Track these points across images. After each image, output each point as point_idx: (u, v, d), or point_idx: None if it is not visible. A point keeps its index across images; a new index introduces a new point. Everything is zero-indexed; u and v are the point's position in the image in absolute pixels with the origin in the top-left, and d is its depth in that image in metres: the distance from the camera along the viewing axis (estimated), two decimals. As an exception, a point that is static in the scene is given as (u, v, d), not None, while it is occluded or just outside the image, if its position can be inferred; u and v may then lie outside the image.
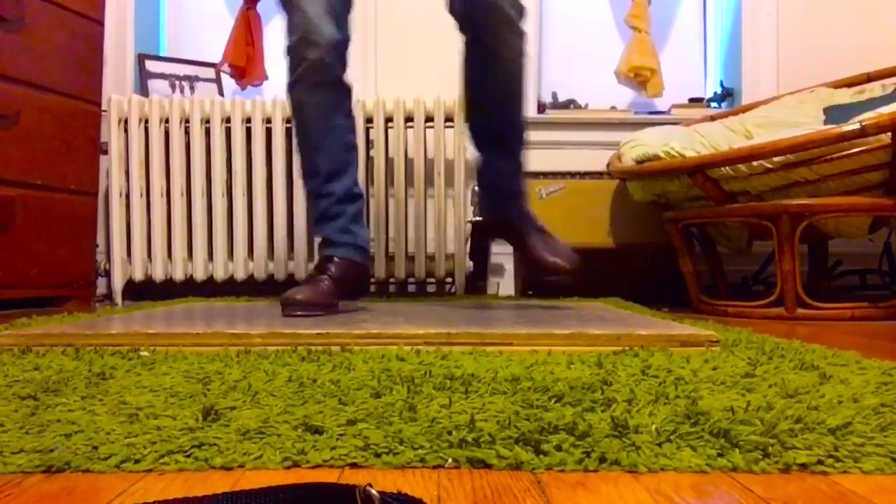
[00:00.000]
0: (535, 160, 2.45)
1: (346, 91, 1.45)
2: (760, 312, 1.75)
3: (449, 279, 2.32)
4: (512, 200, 1.51)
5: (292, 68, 1.38)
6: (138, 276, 2.22)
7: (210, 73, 2.57)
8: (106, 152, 2.24)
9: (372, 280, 2.28)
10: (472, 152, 1.56)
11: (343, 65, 1.42)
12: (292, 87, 1.40)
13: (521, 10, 1.40)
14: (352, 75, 1.46)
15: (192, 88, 2.52)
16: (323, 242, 1.45)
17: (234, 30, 2.59)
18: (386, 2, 2.54)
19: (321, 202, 1.44)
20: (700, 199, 1.88)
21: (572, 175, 2.31)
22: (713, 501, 0.44)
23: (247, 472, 0.49)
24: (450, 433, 0.54)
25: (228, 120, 2.23)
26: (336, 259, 1.40)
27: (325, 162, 1.44)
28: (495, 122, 1.48)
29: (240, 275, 2.23)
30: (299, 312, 1.28)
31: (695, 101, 2.62)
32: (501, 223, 1.54)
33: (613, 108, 2.62)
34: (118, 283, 2.20)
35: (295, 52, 1.37)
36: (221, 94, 2.55)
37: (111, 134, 2.20)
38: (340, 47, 1.39)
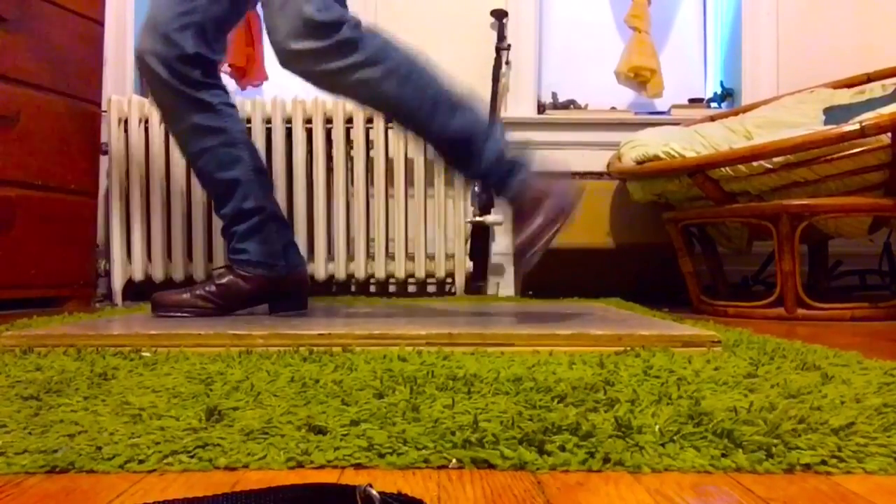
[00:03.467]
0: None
1: (207, 107, 1.33)
2: (760, 313, 1.75)
3: (449, 279, 2.32)
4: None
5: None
6: (138, 276, 2.22)
7: (210, 73, 2.56)
8: (106, 152, 2.24)
9: (372, 280, 2.29)
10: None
11: (193, 81, 1.31)
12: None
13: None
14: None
15: (192, 88, 2.52)
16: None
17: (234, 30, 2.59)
18: (386, 2, 2.54)
19: (221, 218, 1.40)
20: (700, 200, 1.89)
21: (572, 175, 2.31)
22: (714, 502, 0.44)
23: (248, 473, 0.49)
24: (453, 433, 0.54)
25: (228, 120, 2.23)
26: (215, 274, 1.37)
27: (209, 187, 1.40)
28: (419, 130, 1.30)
29: (240, 275, 2.22)
30: (171, 313, 1.28)
31: (695, 102, 2.63)
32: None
33: (613, 108, 2.62)
34: (118, 284, 2.20)
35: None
36: (221, 94, 2.55)
37: (111, 134, 2.20)
38: (182, 63, 1.30)
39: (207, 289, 1.33)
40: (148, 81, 1.33)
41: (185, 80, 1.29)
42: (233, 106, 1.39)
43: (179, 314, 1.29)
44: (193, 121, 1.32)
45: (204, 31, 1.30)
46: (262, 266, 1.37)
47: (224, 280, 1.35)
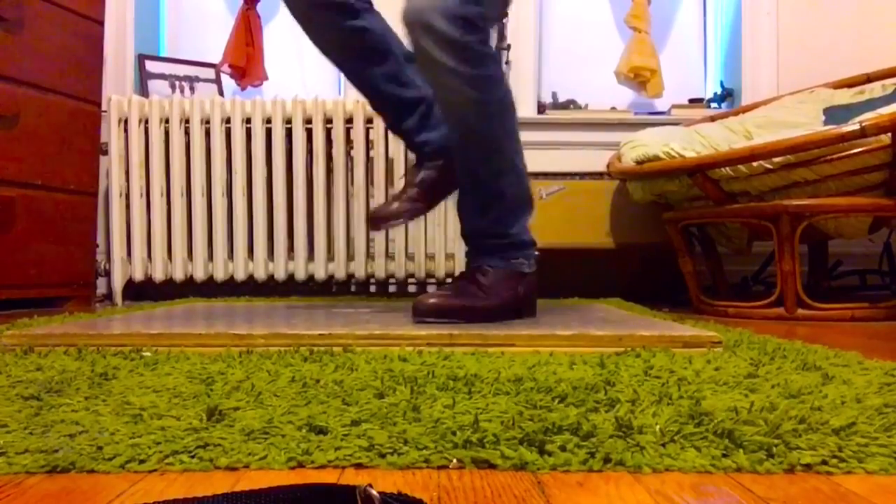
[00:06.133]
0: (535, 160, 2.44)
1: (353, 13, 1.35)
2: (760, 313, 1.75)
3: (449, 279, 2.32)
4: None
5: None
6: (138, 276, 2.22)
7: (210, 73, 2.57)
8: (106, 152, 2.24)
9: (372, 280, 2.29)
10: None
11: None
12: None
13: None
14: (353, 75, 1.45)
15: (192, 89, 2.52)
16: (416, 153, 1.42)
17: (234, 30, 2.59)
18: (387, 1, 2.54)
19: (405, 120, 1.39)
20: (700, 200, 1.89)
21: (572, 175, 2.31)
22: (714, 502, 0.44)
23: (249, 473, 0.49)
24: (454, 434, 0.54)
25: (228, 120, 2.23)
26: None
27: (377, 71, 1.37)
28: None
29: (240, 275, 2.23)
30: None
31: (695, 102, 2.63)
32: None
33: (613, 108, 2.62)
34: (118, 284, 2.20)
35: None
36: (221, 94, 2.55)
37: (111, 134, 2.20)
38: None
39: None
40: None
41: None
42: None
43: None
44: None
45: None
46: None
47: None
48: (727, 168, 1.74)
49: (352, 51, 1.38)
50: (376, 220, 1.36)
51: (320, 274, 2.22)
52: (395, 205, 1.36)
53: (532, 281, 1.30)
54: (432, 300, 1.18)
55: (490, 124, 1.23)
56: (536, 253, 1.33)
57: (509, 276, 1.25)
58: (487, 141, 1.25)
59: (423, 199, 1.37)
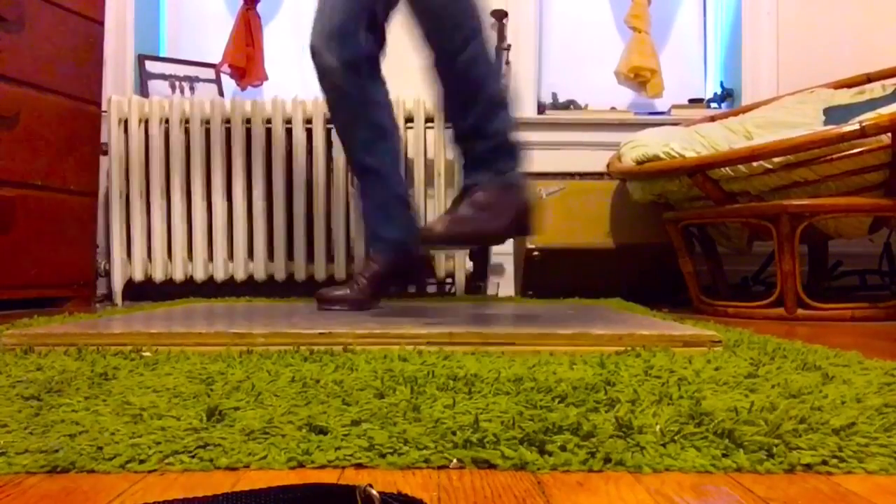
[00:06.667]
0: (535, 160, 2.45)
1: (374, 99, 1.44)
2: (761, 313, 1.75)
3: (449, 279, 2.32)
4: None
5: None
6: (138, 276, 2.22)
7: (210, 73, 2.57)
8: (106, 152, 2.24)
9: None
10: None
11: (363, 73, 1.40)
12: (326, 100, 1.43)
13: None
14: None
15: (192, 89, 2.52)
16: (371, 239, 1.48)
17: (233, 30, 2.59)
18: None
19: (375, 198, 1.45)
20: (700, 200, 1.89)
21: (572, 175, 2.31)
22: (714, 502, 0.44)
23: (249, 473, 0.49)
24: (454, 433, 0.54)
25: (228, 120, 2.23)
26: (381, 248, 1.43)
27: (367, 160, 1.44)
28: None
29: (240, 275, 2.23)
30: (336, 307, 1.32)
31: (695, 102, 2.63)
32: None
33: (613, 108, 2.62)
34: (118, 284, 2.20)
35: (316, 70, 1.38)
36: (221, 94, 2.55)
37: (111, 134, 2.20)
38: (357, 63, 1.39)
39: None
40: None
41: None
42: None
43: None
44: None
45: None
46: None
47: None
48: (727, 168, 1.74)
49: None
50: (320, 301, 1.42)
51: (320, 274, 2.22)
52: (341, 291, 1.43)
53: (526, 187, 1.33)
54: (440, 228, 1.20)
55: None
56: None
57: (505, 189, 1.28)
58: (455, 17, 1.32)
59: (367, 291, 1.43)
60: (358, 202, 1.47)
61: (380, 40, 1.44)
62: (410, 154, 2.25)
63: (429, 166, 2.25)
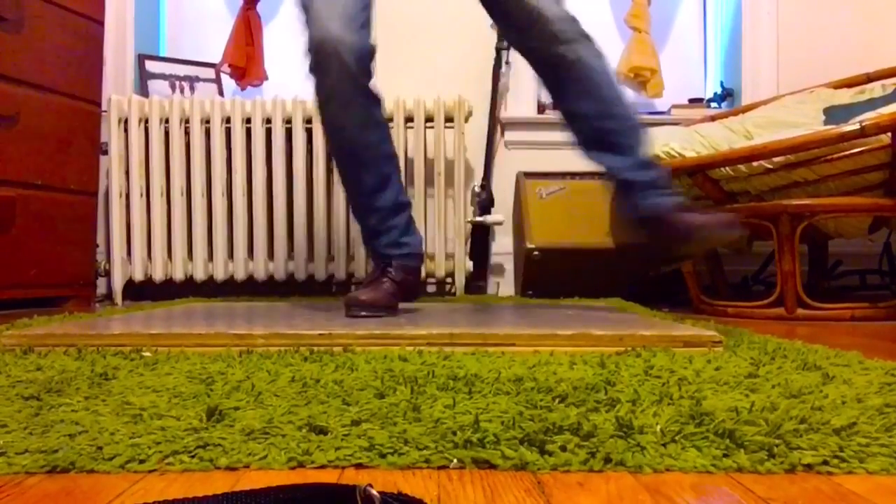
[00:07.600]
0: (535, 160, 2.45)
1: (376, 101, 1.42)
2: (761, 313, 1.75)
3: (449, 279, 2.32)
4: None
5: (319, 86, 1.34)
6: (138, 276, 2.22)
7: (210, 73, 2.56)
8: (106, 152, 2.24)
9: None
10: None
11: (370, 74, 1.39)
12: (323, 105, 1.36)
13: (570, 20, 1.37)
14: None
15: (192, 89, 2.52)
16: (376, 256, 1.44)
17: (233, 30, 2.59)
18: (387, 1, 2.54)
19: (369, 218, 1.42)
20: (700, 199, 1.88)
21: (572, 175, 2.31)
22: (714, 502, 0.44)
23: (249, 473, 0.49)
24: (454, 434, 0.54)
25: (228, 120, 2.23)
26: (394, 263, 1.40)
27: (367, 178, 1.40)
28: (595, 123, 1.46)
29: (240, 275, 2.23)
30: (363, 313, 1.28)
31: (695, 102, 2.62)
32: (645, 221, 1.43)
33: (613, 108, 2.61)
34: (118, 284, 2.20)
35: (318, 69, 1.33)
36: (221, 94, 2.55)
37: (111, 134, 2.20)
38: (366, 57, 1.37)
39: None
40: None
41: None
42: None
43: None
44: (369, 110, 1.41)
45: None
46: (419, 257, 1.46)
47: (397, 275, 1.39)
48: (727, 168, 1.74)
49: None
50: (349, 306, 1.34)
51: (320, 274, 2.22)
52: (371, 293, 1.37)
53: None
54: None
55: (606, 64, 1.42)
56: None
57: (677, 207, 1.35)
58: (612, 76, 1.43)
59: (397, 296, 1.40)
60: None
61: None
62: (410, 154, 2.25)
63: (428, 166, 2.25)
